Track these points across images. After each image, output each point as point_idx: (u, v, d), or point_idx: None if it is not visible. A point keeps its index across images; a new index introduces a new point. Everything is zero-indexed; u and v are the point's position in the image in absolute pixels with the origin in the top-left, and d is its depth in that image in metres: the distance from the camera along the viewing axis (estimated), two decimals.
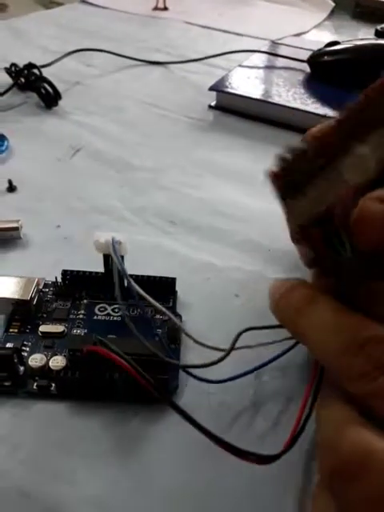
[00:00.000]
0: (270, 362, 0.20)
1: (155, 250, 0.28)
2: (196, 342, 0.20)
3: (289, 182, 0.14)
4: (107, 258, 0.22)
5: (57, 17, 0.67)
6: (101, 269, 0.23)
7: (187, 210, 0.32)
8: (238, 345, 0.19)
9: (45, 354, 0.21)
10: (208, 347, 0.20)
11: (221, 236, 0.30)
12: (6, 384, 0.20)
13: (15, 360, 0.20)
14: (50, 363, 0.21)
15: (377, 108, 0.14)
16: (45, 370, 0.21)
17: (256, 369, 0.20)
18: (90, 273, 0.24)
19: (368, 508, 0.13)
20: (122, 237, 0.21)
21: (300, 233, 0.15)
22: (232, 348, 0.19)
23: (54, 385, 0.20)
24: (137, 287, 0.20)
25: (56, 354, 0.21)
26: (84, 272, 0.24)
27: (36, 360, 0.21)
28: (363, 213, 0.14)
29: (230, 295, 0.26)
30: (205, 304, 0.25)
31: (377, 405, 0.14)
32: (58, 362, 0.21)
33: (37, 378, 0.20)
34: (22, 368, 0.20)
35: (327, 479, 0.14)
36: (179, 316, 0.24)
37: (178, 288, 0.25)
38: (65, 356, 0.21)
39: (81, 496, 0.17)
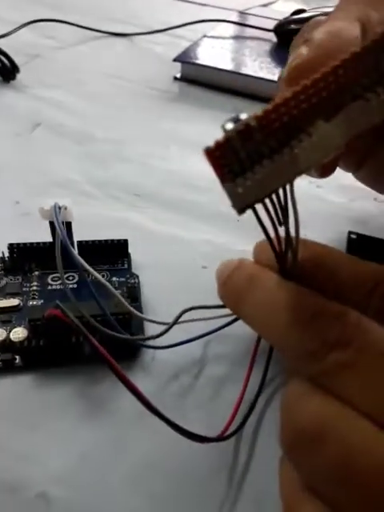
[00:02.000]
0: (212, 332, 0.21)
1: (119, 223, 0.27)
2: (145, 319, 0.21)
3: (228, 163, 0.11)
4: (53, 226, 0.22)
5: None
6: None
7: (153, 182, 0.31)
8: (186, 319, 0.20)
9: (4, 329, 0.20)
10: (155, 322, 0.20)
11: (188, 208, 0.29)
12: None
13: None
14: (11, 336, 0.20)
15: (348, 80, 0.11)
16: (6, 344, 0.20)
17: (199, 337, 0.21)
18: (38, 243, 0.23)
19: (327, 477, 0.12)
20: (68, 202, 0.21)
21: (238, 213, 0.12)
22: (174, 322, 0.19)
23: (18, 357, 0.20)
24: (75, 254, 0.19)
25: (15, 327, 0.21)
26: (31, 243, 0.23)
27: None
28: None
29: (197, 267, 0.25)
30: (172, 277, 0.25)
31: (327, 384, 0.13)
32: (18, 333, 0.20)
33: None
34: None
35: (285, 449, 0.14)
36: (136, 276, 0.24)
37: (139, 256, 0.25)
38: (25, 327, 0.20)
39: (46, 473, 0.17)
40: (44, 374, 0.20)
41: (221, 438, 0.17)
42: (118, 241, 0.24)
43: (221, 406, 0.19)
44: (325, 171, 0.20)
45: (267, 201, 0.12)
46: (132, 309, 0.20)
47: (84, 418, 0.19)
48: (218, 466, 0.18)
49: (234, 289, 0.16)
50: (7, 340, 0.20)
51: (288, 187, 0.12)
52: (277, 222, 0.13)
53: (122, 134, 0.35)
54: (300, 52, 0.16)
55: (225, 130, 0.11)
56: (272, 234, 0.14)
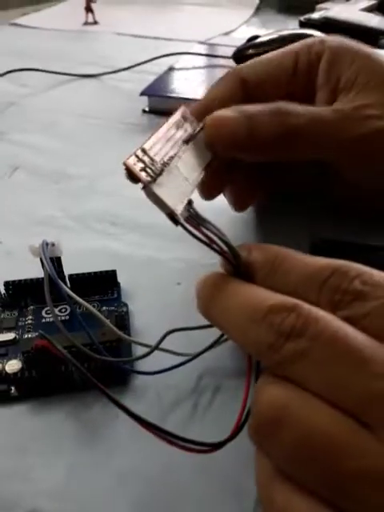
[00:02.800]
0: (199, 354, 0.21)
1: (98, 252, 0.29)
2: (133, 342, 0.22)
3: (144, 170, 0.15)
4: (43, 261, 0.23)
5: None
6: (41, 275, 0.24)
7: (127, 210, 0.33)
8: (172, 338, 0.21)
9: (0, 362, 0.22)
10: (142, 345, 0.21)
11: (162, 231, 0.31)
12: None
13: None
14: (7, 368, 0.21)
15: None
16: (2, 376, 0.21)
17: (187, 361, 0.21)
18: (31, 280, 0.25)
19: (290, 457, 0.13)
20: (55, 239, 0.22)
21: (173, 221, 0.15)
22: (157, 345, 0.21)
23: (13, 388, 0.21)
24: (63, 287, 0.20)
25: (11, 359, 0.22)
26: (25, 280, 0.25)
27: None
28: (216, 117, 0.20)
29: (172, 284, 0.27)
30: (149, 294, 0.26)
31: (286, 372, 0.14)
32: (13, 365, 0.21)
33: None
34: None
35: (252, 438, 0.15)
36: (125, 305, 0.25)
37: (123, 284, 0.26)
38: (20, 359, 0.22)
39: (37, 490, 0.18)
40: (38, 402, 0.21)
41: (223, 443, 0.17)
42: (107, 272, 0.25)
43: (214, 420, 0.20)
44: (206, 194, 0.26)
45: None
46: (120, 333, 0.21)
47: (73, 438, 0.20)
48: (206, 473, 0.18)
49: (203, 299, 0.18)
50: (3, 372, 0.21)
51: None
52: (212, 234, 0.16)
53: (95, 169, 0.37)
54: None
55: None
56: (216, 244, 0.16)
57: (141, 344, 0.22)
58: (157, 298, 0.26)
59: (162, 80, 0.48)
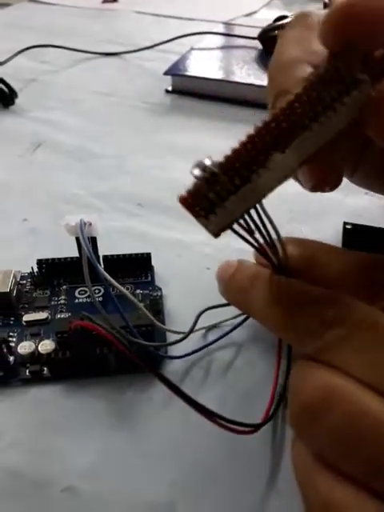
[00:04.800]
0: (222, 337, 0.22)
1: (125, 232, 0.29)
2: (167, 330, 0.22)
3: (199, 205, 0.13)
4: (79, 241, 0.23)
5: (6, 16, 0.66)
6: (72, 254, 0.24)
7: (153, 191, 0.32)
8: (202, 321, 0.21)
9: (33, 342, 0.21)
10: (176, 332, 0.21)
11: (187, 214, 0.30)
12: None
13: (4, 350, 0.20)
14: (39, 348, 0.21)
15: (299, 115, 0.13)
16: (35, 356, 0.21)
17: (210, 344, 0.22)
18: (65, 259, 0.24)
19: (335, 441, 0.13)
20: (92, 218, 0.21)
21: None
22: (191, 331, 0.21)
23: (45, 369, 0.21)
24: (100, 269, 0.20)
25: (43, 339, 0.21)
26: (59, 259, 0.24)
27: (25, 347, 0.21)
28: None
29: (201, 268, 0.27)
30: (180, 278, 0.26)
31: (328, 358, 0.14)
32: (46, 345, 0.21)
33: (28, 364, 0.21)
34: (11, 358, 0.21)
35: (295, 426, 0.14)
36: (159, 289, 0.24)
37: (164, 274, 0.26)
38: (53, 340, 0.21)
39: (71, 469, 0.18)
40: (70, 384, 0.20)
41: (261, 424, 0.17)
42: (142, 254, 0.25)
43: (242, 402, 0.20)
44: (315, 186, 0.21)
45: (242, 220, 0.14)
46: (154, 319, 0.20)
47: (106, 420, 0.19)
48: (241, 455, 0.18)
49: (237, 287, 0.18)
50: (36, 352, 0.21)
51: (259, 206, 0.14)
52: (260, 235, 0.15)
53: (119, 148, 0.37)
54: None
55: (194, 177, 0.13)
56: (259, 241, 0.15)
57: (174, 331, 0.21)
58: (187, 281, 0.26)
59: (186, 60, 0.47)
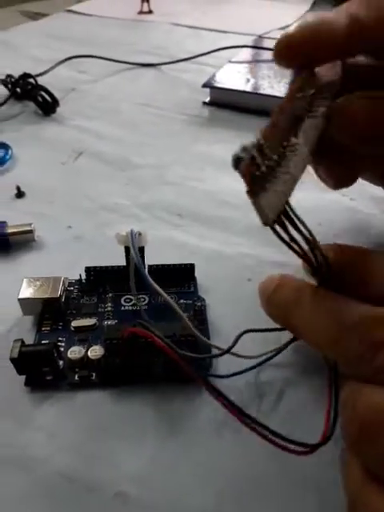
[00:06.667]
0: (268, 359, 0.21)
1: (167, 242, 0.29)
2: (209, 344, 0.21)
3: (255, 177, 0.13)
4: (128, 251, 0.23)
5: (44, 27, 0.68)
6: (116, 262, 0.24)
7: (193, 202, 0.33)
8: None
9: (82, 347, 0.22)
10: (217, 347, 0.21)
11: (227, 225, 0.31)
12: (48, 378, 0.21)
13: (55, 354, 0.20)
14: (89, 353, 0.21)
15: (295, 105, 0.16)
16: (84, 361, 0.21)
17: (254, 367, 0.21)
18: (113, 267, 0.25)
19: None
20: (141, 229, 0.22)
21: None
22: (230, 348, 0.20)
23: (94, 374, 0.21)
24: (148, 278, 0.20)
25: (92, 345, 0.22)
26: (107, 267, 0.25)
27: (75, 352, 0.21)
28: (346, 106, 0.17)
29: (242, 279, 0.27)
30: (221, 289, 0.26)
31: (382, 380, 0.14)
32: (96, 351, 0.21)
33: (77, 369, 0.21)
34: (61, 362, 0.21)
35: (349, 443, 0.15)
36: (203, 299, 0.25)
37: (204, 283, 0.26)
38: (102, 346, 0.21)
39: (122, 474, 0.18)
40: (118, 390, 0.21)
41: (318, 445, 0.17)
42: (186, 265, 0.25)
43: (295, 422, 0.20)
44: (337, 183, 0.23)
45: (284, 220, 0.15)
46: (196, 332, 0.20)
47: (155, 427, 0.20)
48: (291, 471, 0.18)
49: (280, 303, 0.18)
50: (85, 357, 0.21)
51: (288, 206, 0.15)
52: (302, 238, 0.15)
53: (159, 159, 0.37)
54: (290, 28, 0.19)
55: (244, 150, 0.14)
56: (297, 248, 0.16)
57: (216, 347, 0.21)
58: (228, 292, 0.26)
59: (223, 72, 0.48)
